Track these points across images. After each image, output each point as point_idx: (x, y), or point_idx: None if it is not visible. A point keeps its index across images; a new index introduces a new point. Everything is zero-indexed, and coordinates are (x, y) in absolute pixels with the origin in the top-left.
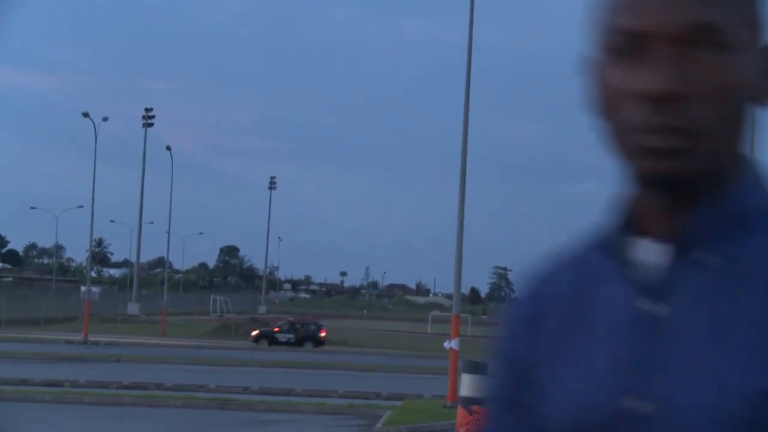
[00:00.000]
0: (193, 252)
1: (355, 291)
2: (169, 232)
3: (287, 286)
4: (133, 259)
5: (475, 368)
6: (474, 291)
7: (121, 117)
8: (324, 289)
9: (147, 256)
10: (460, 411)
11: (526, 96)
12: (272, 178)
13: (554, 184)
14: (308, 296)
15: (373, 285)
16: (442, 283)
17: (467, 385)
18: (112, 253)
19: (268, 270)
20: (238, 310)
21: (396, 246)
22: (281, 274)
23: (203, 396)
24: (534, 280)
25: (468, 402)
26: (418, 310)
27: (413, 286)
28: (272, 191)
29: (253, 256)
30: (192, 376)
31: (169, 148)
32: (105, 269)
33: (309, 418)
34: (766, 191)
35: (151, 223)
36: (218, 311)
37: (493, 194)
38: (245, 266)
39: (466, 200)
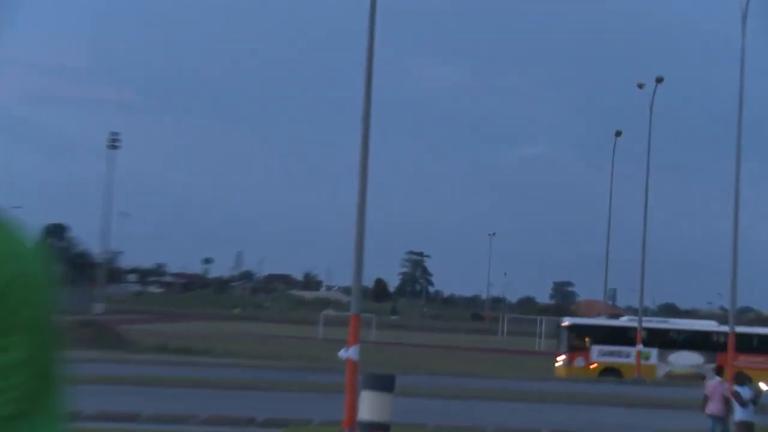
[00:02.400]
0: None
1: (222, 283)
2: None
3: (133, 277)
4: None
5: (379, 384)
6: (380, 284)
7: None
8: (182, 281)
9: None
10: None
11: (448, 30)
12: (113, 135)
13: (485, 147)
14: (161, 290)
15: (247, 276)
16: (337, 274)
17: (369, 405)
18: None
19: (107, 256)
20: (66, 309)
21: (278, 227)
22: (125, 262)
23: None
24: None
25: (370, 428)
26: (307, 308)
27: (300, 278)
28: (113, 152)
29: (88, 238)
30: None
31: None
32: None
33: None
34: None
35: None
36: None
37: (405, 162)
38: (76, 251)
39: (370, 169)
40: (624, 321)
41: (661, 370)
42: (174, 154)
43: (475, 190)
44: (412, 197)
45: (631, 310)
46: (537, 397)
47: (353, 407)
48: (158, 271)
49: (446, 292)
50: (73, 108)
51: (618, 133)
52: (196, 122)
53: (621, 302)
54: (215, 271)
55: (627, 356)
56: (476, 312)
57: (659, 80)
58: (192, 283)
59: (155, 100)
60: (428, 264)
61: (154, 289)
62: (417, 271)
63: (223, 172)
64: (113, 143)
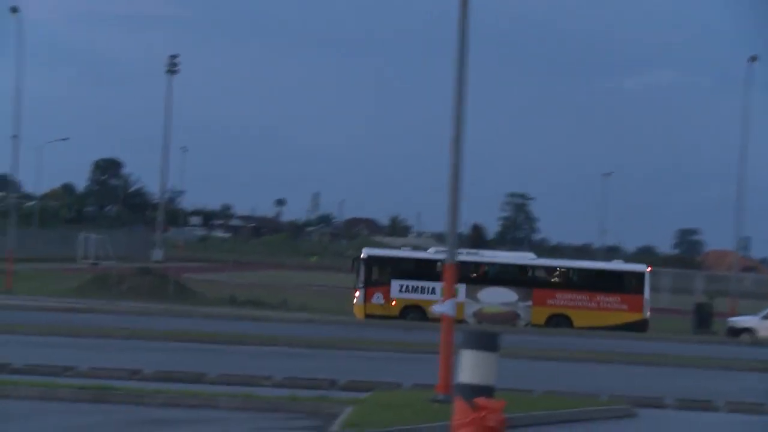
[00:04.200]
0: (54, 168)
1: (297, 228)
2: (16, 137)
3: (196, 219)
4: None
5: (482, 342)
6: (477, 230)
7: None
8: (251, 225)
9: None
10: (459, 406)
11: None
12: (172, 57)
13: (598, 75)
14: (228, 235)
15: (325, 220)
16: (429, 218)
17: (470, 366)
18: None
19: (167, 196)
20: (122, 256)
21: (360, 165)
22: (187, 203)
23: (69, 383)
24: None
25: (470, 392)
26: None
27: (385, 222)
28: (172, 77)
29: (145, 176)
30: (53, 353)
31: (15, 10)
32: None
33: (228, 417)
34: None
35: None
36: (92, 257)
37: (507, 94)
38: (132, 190)
39: (467, 100)
40: (430, 253)
41: (469, 308)
42: (240, 83)
43: (589, 125)
44: (515, 132)
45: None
46: (659, 360)
47: (448, 369)
48: (224, 213)
49: (553, 240)
50: (124, 28)
51: (753, 59)
52: (266, 47)
53: (756, 253)
54: (289, 214)
55: (431, 292)
56: None
57: None
58: (262, 228)
59: (218, 19)
60: (532, 208)
61: (220, 234)
62: (519, 216)
63: (297, 103)
64: (172, 67)
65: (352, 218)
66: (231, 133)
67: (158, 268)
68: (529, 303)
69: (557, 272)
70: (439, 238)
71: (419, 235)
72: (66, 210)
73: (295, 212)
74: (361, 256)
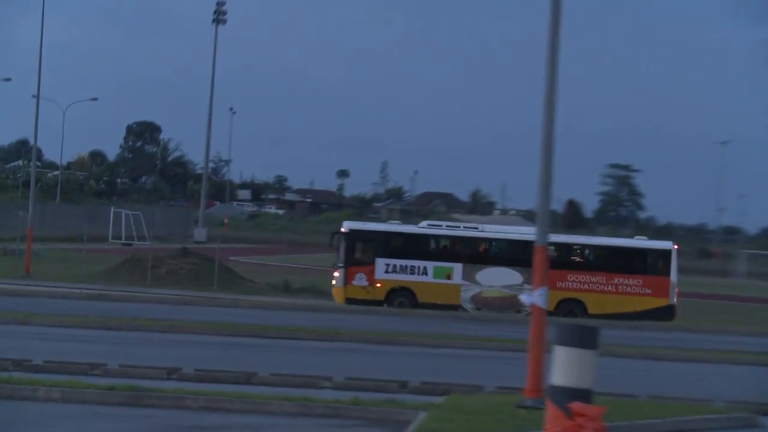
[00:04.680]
0: (81, 133)
1: (363, 203)
2: (37, 97)
3: (245, 193)
4: None
5: (580, 338)
6: (573, 207)
7: None
8: (309, 200)
9: None
10: (551, 413)
11: None
12: (219, 5)
13: (721, 23)
14: (282, 211)
15: (396, 194)
16: (516, 193)
17: (564, 367)
18: None
19: (211, 166)
20: (159, 235)
21: (435, 132)
22: (235, 174)
23: (96, 383)
24: None
25: (565, 396)
26: None
27: (465, 198)
28: (219, 27)
29: (186, 142)
30: (77, 348)
31: None
32: None
33: (281, 424)
34: None
35: (8, 79)
36: (124, 236)
37: (606, 51)
38: (171, 159)
39: (560, 56)
40: (423, 227)
41: (467, 292)
42: (295, 29)
43: (701, 84)
44: (616, 95)
45: None
46: None
47: (539, 370)
48: (278, 186)
49: (662, 219)
50: None
51: None
52: None
53: None
54: (353, 188)
55: (423, 273)
56: (703, 246)
57: None
58: (322, 203)
59: None
60: (637, 181)
61: (272, 210)
62: (622, 191)
63: (365, 61)
64: (220, 15)
65: (426, 192)
66: (285, 94)
67: (201, 249)
68: None
69: (569, 250)
70: (527, 216)
71: (504, 212)
72: (94, 182)
73: (360, 185)
74: (342, 230)
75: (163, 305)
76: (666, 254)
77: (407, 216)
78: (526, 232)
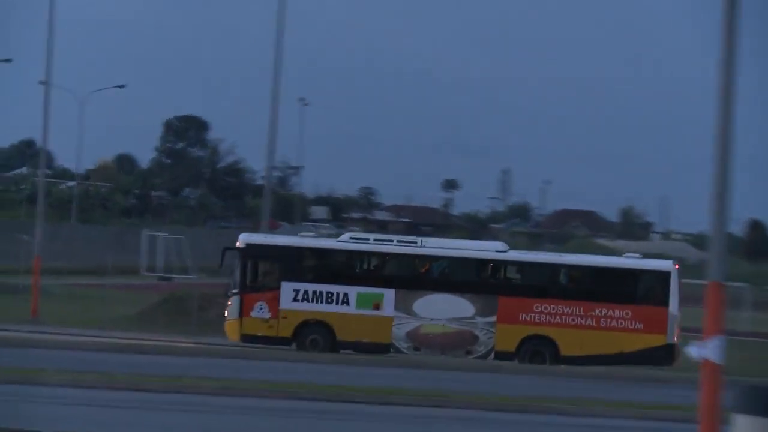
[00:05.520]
0: (105, 131)
1: (478, 224)
2: (46, 83)
3: (321, 211)
4: None
5: (764, 403)
6: (758, 230)
7: None
8: (405, 219)
9: None
10: None
11: None
12: None
13: None
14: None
15: (521, 212)
16: (680, 213)
17: None
18: None
19: (276, 174)
20: (208, 266)
21: (573, 131)
22: (308, 186)
23: None
24: None
25: None
26: None
27: (612, 217)
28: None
29: (243, 144)
30: (101, 415)
31: None
32: None
33: None
34: None
35: (8, 60)
36: (161, 267)
37: None
38: (223, 165)
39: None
40: (344, 240)
41: (401, 328)
42: (385, 12)
43: None
44: None
45: None
46: None
47: None
48: (364, 201)
49: None
50: None
51: None
52: None
53: None
54: (464, 204)
55: (343, 302)
56: None
57: None
58: (422, 224)
59: None
60: None
61: (358, 231)
62: None
63: (468, 43)
64: None
65: (561, 210)
66: (372, 83)
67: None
68: (493, 319)
69: (536, 271)
70: (696, 242)
71: (665, 236)
72: (121, 195)
73: (473, 200)
74: (237, 244)
75: (214, 359)
76: (663, 277)
77: (536, 240)
78: (479, 249)
